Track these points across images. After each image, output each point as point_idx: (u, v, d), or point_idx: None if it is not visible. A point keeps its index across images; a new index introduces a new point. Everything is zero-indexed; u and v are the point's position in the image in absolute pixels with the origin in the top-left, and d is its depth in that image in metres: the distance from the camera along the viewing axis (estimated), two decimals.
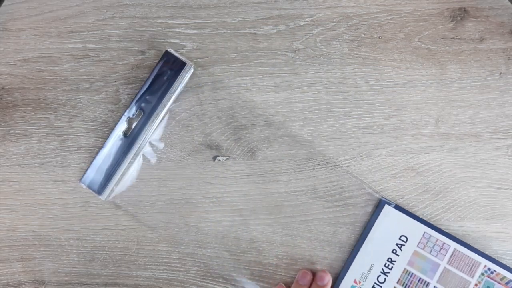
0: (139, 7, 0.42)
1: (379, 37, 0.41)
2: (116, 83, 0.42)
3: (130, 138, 0.39)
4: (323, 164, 0.41)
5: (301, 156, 0.41)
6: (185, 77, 0.40)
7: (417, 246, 0.39)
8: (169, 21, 0.41)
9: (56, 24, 0.42)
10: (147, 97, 0.39)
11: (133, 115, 0.39)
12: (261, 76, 0.41)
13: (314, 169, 0.41)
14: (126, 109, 0.40)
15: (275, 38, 0.41)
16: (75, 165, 0.41)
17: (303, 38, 0.41)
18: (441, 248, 0.39)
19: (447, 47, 0.41)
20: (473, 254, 0.39)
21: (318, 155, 0.41)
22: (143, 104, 0.39)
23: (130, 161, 0.40)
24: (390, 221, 0.39)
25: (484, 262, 0.38)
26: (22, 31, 0.42)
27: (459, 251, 0.39)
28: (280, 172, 0.41)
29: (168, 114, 0.40)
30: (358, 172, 0.41)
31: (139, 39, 0.42)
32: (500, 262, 0.38)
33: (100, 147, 0.40)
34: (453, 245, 0.39)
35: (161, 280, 0.41)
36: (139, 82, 0.41)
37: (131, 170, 0.40)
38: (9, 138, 0.42)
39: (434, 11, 0.41)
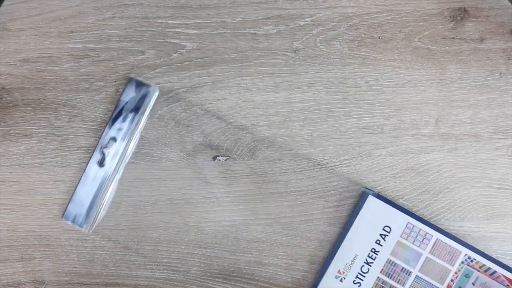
0: (139, 7, 0.42)
1: (379, 37, 0.41)
2: (116, 83, 0.42)
3: (106, 168, 0.40)
4: (323, 164, 0.41)
5: (301, 156, 0.41)
6: (151, 100, 0.40)
7: (401, 236, 0.39)
8: (169, 21, 0.41)
9: (56, 24, 0.42)
10: (117, 125, 0.40)
11: (106, 145, 0.40)
12: (261, 76, 0.41)
13: (314, 169, 0.41)
14: (99, 140, 0.40)
15: (275, 38, 0.41)
16: (75, 165, 0.41)
17: (303, 38, 0.41)
18: (424, 238, 0.39)
19: (447, 47, 0.41)
20: (454, 243, 0.39)
21: (318, 155, 0.41)
22: (114, 132, 0.40)
23: (108, 190, 0.40)
24: (373, 212, 0.40)
25: (465, 251, 0.39)
26: (22, 31, 0.42)
27: (441, 241, 0.39)
28: (280, 172, 0.41)
29: (139, 135, 0.40)
30: (358, 172, 0.41)
31: (139, 39, 0.42)
32: (479, 251, 0.39)
33: (78, 181, 0.40)
34: (436, 234, 0.39)
35: (161, 280, 0.41)
36: None
37: (108, 196, 0.40)
38: (9, 138, 0.42)
39: (434, 11, 0.41)
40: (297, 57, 0.41)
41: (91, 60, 0.42)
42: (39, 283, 0.41)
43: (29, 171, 0.41)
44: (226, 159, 0.41)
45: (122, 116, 0.40)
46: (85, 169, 0.40)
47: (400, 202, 0.41)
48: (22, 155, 0.41)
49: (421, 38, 0.41)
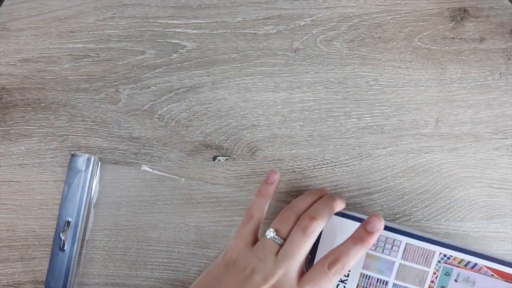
0: (139, 7, 0.42)
1: (379, 37, 0.41)
2: (116, 83, 0.42)
3: (68, 250, 0.40)
4: (323, 164, 0.41)
5: (301, 156, 0.41)
6: (96, 169, 0.41)
7: (368, 249, 0.38)
8: (169, 21, 0.41)
9: (56, 24, 0.42)
10: (69, 206, 0.40)
11: (63, 228, 0.40)
12: (261, 76, 0.41)
13: (314, 169, 0.41)
14: (56, 228, 0.40)
15: (275, 38, 0.41)
16: None
17: (303, 38, 0.41)
18: (393, 245, 0.38)
19: (447, 47, 0.41)
20: (426, 244, 0.37)
21: (318, 155, 0.41)
22: (67, 214, 0.40)
23: (73, 271, 0.41)
24: (334, 229, 0.38)
25: (439, 249, 0.37)
26: (22, 31, 0.42)
27: (411, 245, 0.38)
28: (280, 172, 0.41)
29: (94, 208, 0.41)
30: (358, 172, 0.41)
31: (139, 39, 0.42)
32: (454, 246, 0.37)
33: (47, 269, 0.40)
34: (404, 239, 0.38)
35: (161, 280, 0.41)
36: (139, 82, 0.41)
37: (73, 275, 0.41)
38: (9, 138, 0.42)
39: (434, 11, 0.41)
40: (297, 57, 0.41)
41: (91, 60, 0.42)
42: (39, 283, 0.41)
43: (29, 171, 0.41)
44: (226, 159, 0.41)
45: (71, 195, 0.40)
46: (50, 257, 0.40)
47: (400, 202, 0.41)
48: (22, 155, 0.41)
49: (421, 38, 0.41)
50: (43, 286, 0.41)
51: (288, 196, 0.41)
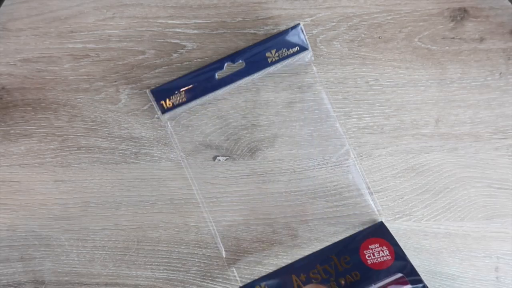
0: (139, 7, 0.42)
1: (379, 37, 0.41)
2: (116, 83, 0.42)
3: (222, 82, 0.39)
4: (323, 164, 0.41)
5: (301, 156, 0.41)
6: (295, 59, 0.39)
7: None
8: (169, 21, 0.41)
9: (56, 24, 0.42)
10: (254, 52, 0.39)
11: (234, 63, 0.39)
12: (261, 76, 0.41)
13: (314, 169, 0.41)
14: (228, 57, 0.39)
15: None
16: (75, 165, 0.41)
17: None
18: None
19: (447, 47, 0.41)
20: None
21: (318, 155, 0.41)
22: (247, 58, 0.39)
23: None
24: None
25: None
26: (22, 31, 0.42)
27: None
28: (280, 172, 0.41)
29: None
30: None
31: (139, 39, 0.42)
32: None
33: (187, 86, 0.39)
34: None
35: (161, 280, 0.41)
36: (139, 82, 0.41)
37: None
38: (9, 138, 0.42)
39: (434, 11, 0.41)
40: None
41: (91, 60, 0.42)
42: (39, 283, 0.41)
43: (29, 171, 0.41)
44: (226, 159, 0.41)
45: (262, 48, 0.38)
46: (198, 73, 0.38)
47: (401, 202, 0.41)
48: (22, 155, 0.42)
49: (421, 38, 0.41)
50: (43, 286, 0.41)
51: (288, 196, 0.41)
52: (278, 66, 0.39)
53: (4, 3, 0.41)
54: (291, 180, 0.41)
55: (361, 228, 0.40)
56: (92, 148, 0.41)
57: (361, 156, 0.41)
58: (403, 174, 0.41)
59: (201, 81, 0.39)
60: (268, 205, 0.41)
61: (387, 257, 0.38)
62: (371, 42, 0.41)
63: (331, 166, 0.41)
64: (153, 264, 0.41)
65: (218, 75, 0.39)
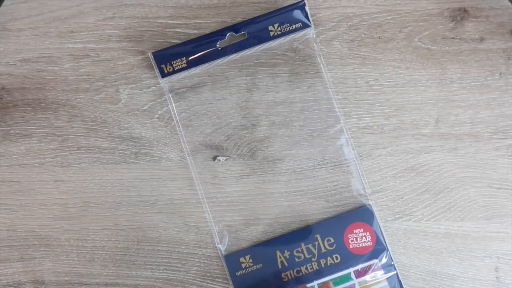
0: (139, 7, 0.42)
1: (379, 37, 0.41)
2: (116, 83, 0.42)
3: (223, 51, 0.39)
4: (323, 164, 0.41)
5: (301, 156, 0.41)
6: (297, 35, 0.40)
7: None
8: (169, 21, 0.41)
9: (56, 24, 0.42)
10: (257, 24, 0.39)
11: (236, 33, 0.39)
12: (261, 76, 0.41)
13: (314, 169, 0.41)
14: (230, 26, 0.39)
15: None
16: (75, 165, 0.41)
17: (303, 38, 0.41)
18: None
19: (447, 47, 0.41)
20: None
21: (318, 155, 0.41)
22: (249, 29, 0.39)
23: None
24: None
25: None
26: (22, 31, 0.42)
27: None
28: (280, 172, 0.41)
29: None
30: (358, 172, 0.41)
31: (139, 39, 0.42)
32: None
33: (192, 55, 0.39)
34: None
35: (161, 280, 0.41)
36: (139, 82, 0.41)
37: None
38: (9, 138, 0.42)
39: (434, 11, 0.41)
40: (297, 57, 0.41)
41: (91, 60, 0.42)
42: (39, 283, 0.41)
43: (29, 171, 0.41)
44: (226, 159, 0.41)
45: (263, 22, 0.39)
46: (201, 40, 0.39)
47: (401, 202, 0.41)
48: (22, 155, 0.41)
49: (421, 38, 0.41)
50: (43, 286, 0.41)
51: (288, 196, 0.41)
52: (280, 40, 0.40)
53: (4, 3, 0.41)
54: (291, 180, 0.41)
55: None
56: (92, 148, 0.41)
57: (361, 156, 0.41)
58: (403, 174, 0.41)
59: (203, 48, 0.39)
60: (268, 205, 0.41)
61: (369, 243, 0.40)
62: (371, 42, 0.41)
63: (331, 166, 0.41)
64: (153, 264, 0.41)
65: (220, 44, 0.40)
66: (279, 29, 0.39)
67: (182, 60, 0.39)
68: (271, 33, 0.39)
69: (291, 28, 0.39)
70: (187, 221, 0.41)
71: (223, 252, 0.41)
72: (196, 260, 0.41)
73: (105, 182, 0.41)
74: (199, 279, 0.41)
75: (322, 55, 0.41)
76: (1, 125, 0.42)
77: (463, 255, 0.41)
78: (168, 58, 0.40)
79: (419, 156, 0.41)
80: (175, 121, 0.41)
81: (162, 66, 0.40)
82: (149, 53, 0.39)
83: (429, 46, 0.41)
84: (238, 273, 0.40)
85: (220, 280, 0.41)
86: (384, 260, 0.40)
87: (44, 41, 0.42)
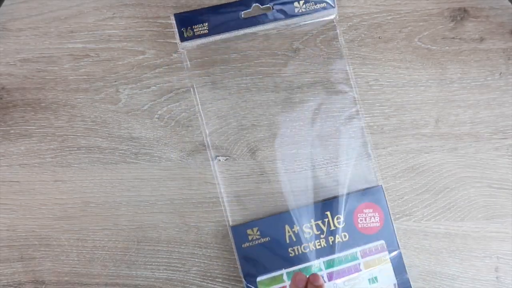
0: (139, 7, 0.42)
1: (379, 37, 0.41)
2: (116, 83, 0.42)
3: (247, 21, 0.39)
4: (323, 164, 0.41)
5: (301, 156, 0.41)
6: (320, 15, 0.39)
7: None
8: (169, 21, 0.41)
9: (56, 24, 0.42)
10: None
11: (262, 5, 0.39)
12: (261, 76, 0.41)
13: (314, 169, 0.41)
14: None
15: (275, 38, 0.41)
16: (75, 165, 0.41)
17: (303, 38, 0.41)
18: None
19: (447, 47, 0.41)
20: None
21: (318, 155, 0.41)
22: (276, 2, 0.39)
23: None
24: None
25: None
26: (22, 31, 0.42)
27: None
28: (280, 172, 0.41)
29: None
30: (358, 172, 0.41)
31: (139, 39, 0.42)
32: None
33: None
34: None
35: (161, 280, 0.41)
36: (139, 82, 0.41)
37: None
38: (9, 138, 0.42)
39: (434, 11, 0.41)
40: (297, 57, 0.41)
41: (91, 60, 0.42)
42: (39, 283, 0.41)
43: (29, 171, 0.41)
44: (226, 159, 0.41)
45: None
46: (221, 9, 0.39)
47: (401, 202, 0.41)
48: (22, 155, 0.41)
49: (421, 38, 0.41)
50: (43, 286, 0.41)
51: (288, 196, 0.41)
52: (304, 18, 0.39)
53: (4, 3, 0.41)
54: (291, 179, 0.41)
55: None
56: (92, 148, 0.41)
57: (361, 156, 0.41)
58: (403, 174, 0.41)
59: (227, 17, 0.39)
60: (268, 205, 0.41)
61: (377, 223, 0.40)
62: (371, 42, 0.41)
63: (331, 166, 0.41)
64: (153, 264, 0.41)
65: (244, 14, 0.39)
66: (304, 6, 0.39)
67: (204, 26, 0.38)
68: (296, 10, 0.39)
69: (315, 7, 0.39)
70: (187, 221, 0.41)
71: (230, 223, 0.40)
72: (196, 260, 0.41)
73: (105, 182, 0.41)
74: (199, 279, 0.41)
75: (322, 55, 0.41)
76: (1, 125, 0.42)
77: (463, 255, 0.41)
78: (190, 21, 0.38)
79: (419, 156, 0.41)
80: (197, 110, 0.40)
81: (182, 29, 0.39)
82: (171, 15, 0.38)
83: (429, 46, 0.41)
84: (244, 245, 0.40)
85: (220, 280, 0.41)
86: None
87: (44, 41, 0.42)
